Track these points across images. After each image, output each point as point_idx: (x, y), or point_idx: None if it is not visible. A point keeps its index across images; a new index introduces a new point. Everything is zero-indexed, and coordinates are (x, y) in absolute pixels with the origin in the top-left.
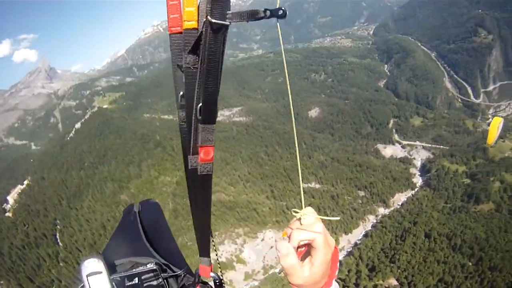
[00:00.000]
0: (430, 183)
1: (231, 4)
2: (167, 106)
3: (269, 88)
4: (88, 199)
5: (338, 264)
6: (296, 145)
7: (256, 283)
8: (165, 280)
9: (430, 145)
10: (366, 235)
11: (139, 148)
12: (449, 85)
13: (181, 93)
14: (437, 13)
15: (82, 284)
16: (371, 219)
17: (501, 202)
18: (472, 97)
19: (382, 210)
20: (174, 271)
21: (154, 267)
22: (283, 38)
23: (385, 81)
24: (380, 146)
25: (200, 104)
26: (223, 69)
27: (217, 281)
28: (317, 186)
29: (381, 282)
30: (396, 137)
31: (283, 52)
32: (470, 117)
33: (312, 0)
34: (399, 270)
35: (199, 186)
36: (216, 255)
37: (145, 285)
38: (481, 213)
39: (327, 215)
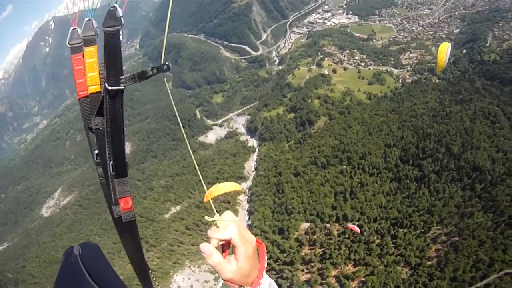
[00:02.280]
0: (264, 137)
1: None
2: None
3: (74, 153)
4: None
5: (266, 258)
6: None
7: None
8: None
9: (242, 110)
10: (251, 213)
11: None
12: (228, 54)
13: (96, 151)
14: (191, 1)
15: None
16: (243, 198)
17: (329, 111)
18: (252, 52)
19: (245, 185)
20: None
21: None
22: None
23: (171, 82)
24: (202, 138)
25: (112, 162)
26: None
27: None
28: (178, 208)
29: (298, 233)
30: (209, 122)
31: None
32: (261, 68)
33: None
34: (301, 214)
35: (127, 231)
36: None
37: None
38: (321, 129)
39: (205, 225)
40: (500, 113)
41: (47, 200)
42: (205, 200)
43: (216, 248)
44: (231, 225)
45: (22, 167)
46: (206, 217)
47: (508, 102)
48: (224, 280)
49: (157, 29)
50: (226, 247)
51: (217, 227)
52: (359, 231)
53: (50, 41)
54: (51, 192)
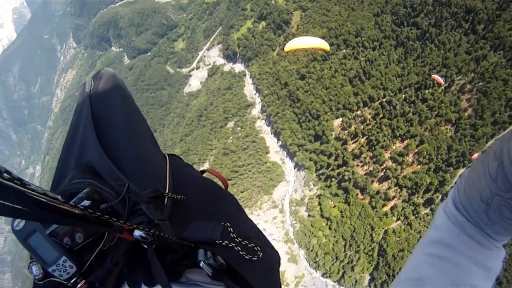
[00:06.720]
0: (248, 57)
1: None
2: None
3: None
4: None
5: None
6: None
7: None
8: (108, 209)
9: (210, 43)
10: (277, 134)
11: None
12: None
13: None
14: None
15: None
16: (261, 124)
17: (298, 3)
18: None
19: (255, 111)
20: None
21: (88, 204)
22: None
23: (125, 55)
24: (187, 89)
25: None
26: None
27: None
28: (206, 165)
29: (334, 133)
30: (184, 70)
31: None
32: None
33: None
34: (328, 113)
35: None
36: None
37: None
38: (300, 25)
39: (242, 167)
40: None
41: None
42: (284, 49)
43: None
44: None
45: None
46: None
47: None
48: None
49: (82, 18)
50: None
51: None
52: (443, 82)
53: None
54: None
